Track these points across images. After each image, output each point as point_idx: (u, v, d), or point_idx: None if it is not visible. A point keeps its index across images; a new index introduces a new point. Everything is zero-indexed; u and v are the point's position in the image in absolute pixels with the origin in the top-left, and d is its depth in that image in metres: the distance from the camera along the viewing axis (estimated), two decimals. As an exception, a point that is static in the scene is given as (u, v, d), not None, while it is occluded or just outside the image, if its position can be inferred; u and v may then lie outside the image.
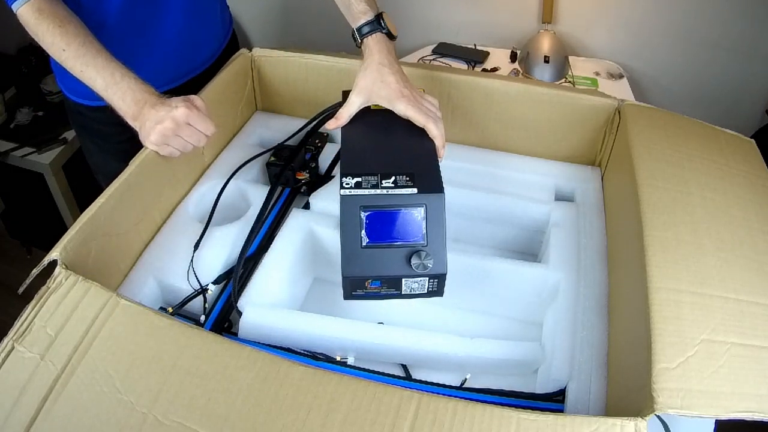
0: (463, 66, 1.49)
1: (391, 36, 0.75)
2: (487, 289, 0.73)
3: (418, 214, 0.60)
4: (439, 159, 0.68)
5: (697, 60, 1.45)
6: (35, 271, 0.56)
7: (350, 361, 0.66)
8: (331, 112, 0.81)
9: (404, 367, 0.68)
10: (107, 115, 0.82)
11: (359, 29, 0.74)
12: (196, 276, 0.70)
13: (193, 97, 0.72)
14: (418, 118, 0.68)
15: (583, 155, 0.89)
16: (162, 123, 0.69)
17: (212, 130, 0.72)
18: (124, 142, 0.93)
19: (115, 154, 0.98)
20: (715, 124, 0.79)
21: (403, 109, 0.68)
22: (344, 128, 0.71)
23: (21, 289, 0.56)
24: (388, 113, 0.70)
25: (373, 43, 0.73)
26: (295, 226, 0.75)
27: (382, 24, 0.74)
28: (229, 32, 1.06)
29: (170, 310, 0.67)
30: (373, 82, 0.70)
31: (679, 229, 0.61)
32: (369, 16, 0.74)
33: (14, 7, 0.72)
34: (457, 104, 0.88)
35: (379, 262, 0.59)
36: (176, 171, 0.78)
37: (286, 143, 0.88)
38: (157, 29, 0.89)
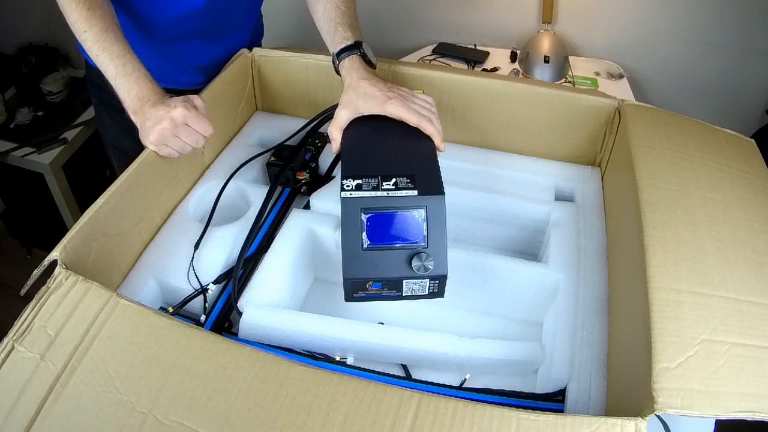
0: (463, 66, 1.49)
1: (369, 62, 0.76)
2: (487, 288, 0.73)
3: (419, 215, 0.60)
4: (439, 154, 0.68)
5: (697, 60, 1.45)
6: (37, 272, 0.56)
7: (350, 361, 0.66)
8: (331, 113, 0.81)
9: (404, 367, 0.68)
10: None
11: (338, 53, 0.76)
12: (196, 276, 0.70)
13: (193, 96, 0.73)
14: (410, 118, 0.68)
15: (583, 155, 0.89)
16: (160, 123, 0.69)
17: (210, 131, 0.72)
18: None
19: (128, 130, 0.99)
20: (715, 124, 0.79)
21: (393, 111, 0.68)
22: (344, 130, 0.71)
23: (23, 291, 0.56)
24: (387, 116, 0.70)
25: (350, 64, 0.74)
26: (295, 226, 0.75)
27: (361, 49, 0.75)
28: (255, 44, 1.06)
29: (170, 310, 0.67)
30: (357, 97, 0.70)
31: (679, 229, 0.61)
32: (349, 42, 0.76)
33: None
34: (457, 104, 0.88)
35: (380, 264, 0.59)
36: (176, 171, 0.78)
37: (286, 143, 0.88)
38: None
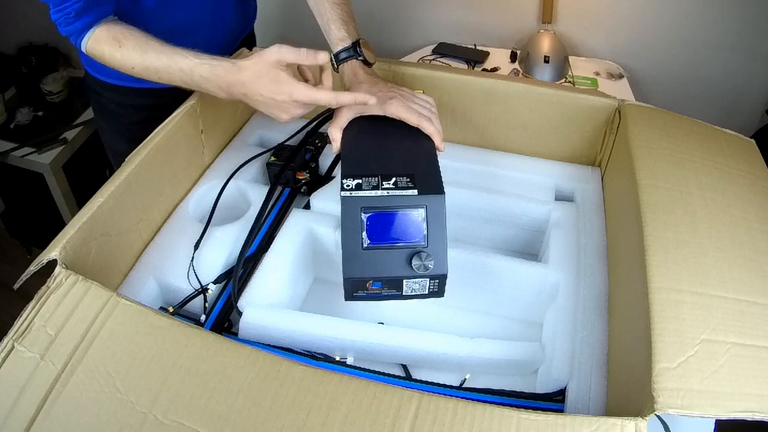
0: (463, 66, 1.49)
1: (367, 63, 0.76)
2: (487, 288, 0.73)
3: (419, 215, 0.60)
4: (438, 153, 0.68)
5: (697, 60, 1.45)
6: (32, 268, 0.56)
7: (350, 361, 0.66)
8: (331, 113, 0.81)
9: (404, 367, 0.68)
10: (120, 95, 0.80)
11: (336, 55, 0.75)
12: (196, 276, 0.70)
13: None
14: (410, 118, 0.68)
15: (583, 155, 0.89)
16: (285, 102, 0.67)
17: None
18: (134, 125, 0.93)
19: (124, 134, 1.00)
20: (715, 124, 0.79)
21: (394, 111, 0.69)
22: (344, 130, 0.71)
23: (17, 285, 0.57)
24: (387, 116, 0.70)
25: (350, 69, 0.74)
26: (295, 226, 0.75)
27: (359, 51, 0.75)
28: (248, 26, 1.06)
29: (170, 310, 0.67)
30: None
31: (679, 229, 0.61)
32: (346, 43, 0.75)
33: (81, 46, 0.72)
34: (457, 104, 0.88)
35: (380, 263, 0.59)
36: (176, 171, 0.78)
37: (286, 143, 0.88)
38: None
